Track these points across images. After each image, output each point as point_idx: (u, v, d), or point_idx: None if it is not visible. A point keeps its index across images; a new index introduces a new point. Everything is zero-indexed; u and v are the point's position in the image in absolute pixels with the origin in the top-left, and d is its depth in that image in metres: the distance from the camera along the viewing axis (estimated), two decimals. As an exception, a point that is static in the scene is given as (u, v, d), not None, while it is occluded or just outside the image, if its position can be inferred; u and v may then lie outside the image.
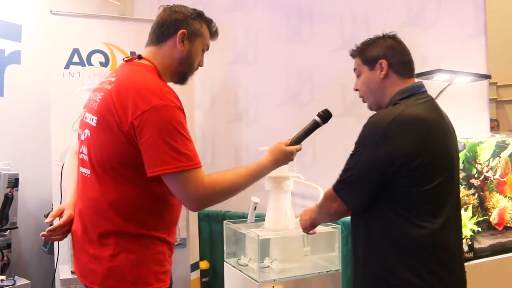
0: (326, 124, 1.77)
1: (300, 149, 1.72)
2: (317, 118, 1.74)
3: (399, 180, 1.43)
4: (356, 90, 1.69)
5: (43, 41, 3.30)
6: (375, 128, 1.45)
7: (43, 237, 1.54)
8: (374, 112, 1.59)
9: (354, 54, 1.68)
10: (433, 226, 1.43)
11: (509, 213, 2.11)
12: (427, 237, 1.42)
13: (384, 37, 1.63)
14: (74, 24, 3.00)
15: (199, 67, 1.66)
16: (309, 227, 1.81)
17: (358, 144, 1.49)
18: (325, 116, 1.74)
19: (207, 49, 1.66)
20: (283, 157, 1.67)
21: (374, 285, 1.50)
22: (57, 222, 1.56)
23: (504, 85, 6.65)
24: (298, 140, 1.72)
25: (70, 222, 1.56)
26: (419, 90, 1.56)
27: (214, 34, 1.65)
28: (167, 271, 1.51)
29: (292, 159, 1.72)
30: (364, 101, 1.69)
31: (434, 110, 1.53)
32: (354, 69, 1.69)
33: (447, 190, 1.50)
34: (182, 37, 1.55)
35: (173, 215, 1.55)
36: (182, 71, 1.60)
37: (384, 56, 1.58)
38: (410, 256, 1.43)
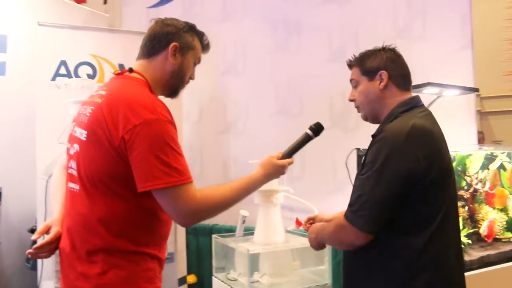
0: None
1: (292, 163, 1.69)
2: (308, 131, 1.73)
3: (416, 193, 1.40)
4: (351, 100, 1.67)
5: (29, 52, 3.26)
6: (393, 142, 1.41)
7: (29, 255, 1.50)
8: (367, 122, 1.63)
9: (352, 64, 1.67)
10: (440, 241, 1.43)
11: (498, 225, 2.11)
12: (434, 251, 1.42)
13: (385, 49, 1.62)
14: (61, 36, 2.97)
15: (190, 80, 1.64)
16: (316, 246, 1.74)
17: (372, 164, 1.42)
18: (317, 129, 1.73)
19: (199, 62, 1.64)
20: (275, 171, 1.65)
21: None
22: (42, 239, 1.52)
23: (488, 97, 6.75)
24: (290, 153, 1.70)
25: (57, 239, 1.51)
26: (419, 104, 1.57)
27: (205, 47, 1.64)
28: None
29: (283, 173, 1.69)
30: (359, 111, 1.68)
31: (435, 123, 1.53)
32: (351, 80, 1.67)
33: (452, 203, 1.50)
34: (174, 50, 1.53)
35: (164, 231, 1.52)
36: (174, 84, 1.58)
37: (385, 67, 1.57)
38: (418, 271, 1.41)
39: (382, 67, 1.57)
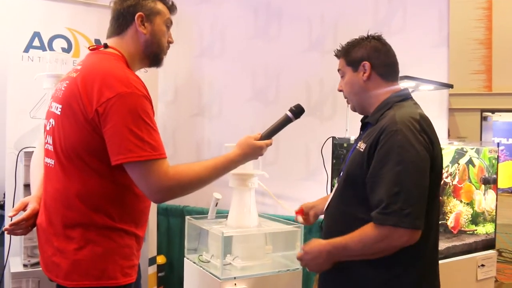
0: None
1: (270, 144, 1.68)
2: (289, 113, 1.72)
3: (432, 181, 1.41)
4: (340, 90, 1.68)
5: (1, 21, 3.14)
6: (408, 130, 1.38)
7: (6, 232, 1.49)
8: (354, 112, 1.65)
9: (339, 54, 1.67)
10: (433, 232, 1.48)
11: (464, 218, 2.20)
12: (430, 242, 1.47)
13: (369, 38, 1.61)
14: (35, 6, 2.87)
15: (170, 45, 1.63)
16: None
17: (393, 156, 1.36)
18: (297, 111, 1.73)
19: (171, 23, 1.62)
20: (252, 152, 1.64)
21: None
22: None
23: (455, 94, 6.94)
24: (269, 134, 1.69)
25: (34, 215, 1.51)
26: (409, 96, 1.59)
27: (171, 8, 1.62)
28: (134, 265, 1.48)
29: (262, 154, 1.68)
30: (348, 102, 1.69)
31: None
32: (338, 70, 1.67)
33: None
34: (141, 21, 1.52)
35: (141, 207, 1.52)
36: (152, 52, 1.57)
37: (368, 57, 1.57)
38: (411, 259, 1.43)
39: (365, 57, 1.57)
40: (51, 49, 2.86)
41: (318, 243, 1.56)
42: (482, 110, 8.01)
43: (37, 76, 2.48)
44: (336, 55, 1.69)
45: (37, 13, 2.87)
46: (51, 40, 2.89)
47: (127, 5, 1.52)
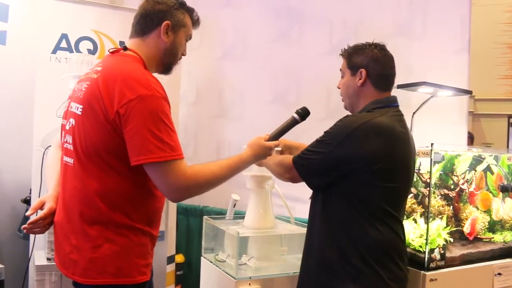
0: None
1: (278, 145, 1.79)
2: (295, 115, 1.81)
3: (358, 178, 1.56)
4: (339, 88, 1.80)
5: (30, 23, 3.24)
6: (346, 127, 1.57)
7: (24, 230, 1.53)
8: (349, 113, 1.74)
9: (343, 55, 1.77)
10: (387, 226, 1.58)
11: (480, 225, 2.18)
12: (381, 233, 1.57)
13: (371, 46, 1.70)
14: (64, 9, 2.96)
15: (183, 56, 1.68)
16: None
17: (328, 135, 1.61)
18: (303, 113, 1.81)
19: (190, 38, 1.68)
20: (262, 152, 1.72)
21: (328, 270, 1.62)
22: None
23: (482, 99, 6.82)
24: (276, 136, 1.78)
25: (51, 214, 1.55)
26: (393, 104, 1.68)
27: (196, 23, 1.67)
28: (148, 264, 1.52)
29: (270, 154, 1.77)
30: (342, 100, 1.80)
31: (402, 124, 1.65)
32: (340, 69, 1.78)
33: (401, 196, 1.66)
34: (166, 29, 1.56)
35: (157, 206, 1.56)
36: (167, 61, 1.62)
37: (366, 66, 1.67)
38: (363, 248, 1.56)
39: (364, 65, 1.67)
40: (77, 50, 2.95)
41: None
42: (510, 116, 7.84)
43: (63, 76, 2.56)
44: (341, 54, 1.78)
45: (65, 16, 2.96)
46: (77, 41, 2.97)
47: (158, 9, 1.56)
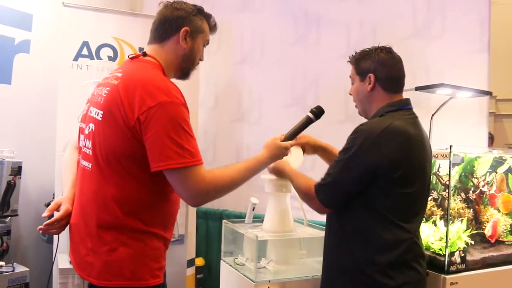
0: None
1: (294, 145, 1.80)
2: (310, 114, 1.83)
3: (379, 185, 1.55)
4: (350, 94, 1.81)
5: (53, 32, 3.32)
6: (366, 137, 1.56)
7: (40, 231, 1.55)
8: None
9: (351, 62, 1.79)
10: (404, 230, 1.58)
11: (502, 227, 2.15)
12: (398, 239, 1.57)
13: (377, 50, 1.71)
14: (85, 17, 3.03)
15: (200, 62, 1.70)
16: (274, 174, 1.96)
17: (347, 150, 1.59)
18: (318, 112, 1.83)
19: (207, 44, 1.69)
20: (279, 152, 1.73)
21: (345, 280, 1.63)
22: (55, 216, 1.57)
23: (503, 99, 6.71)
24: (292, 135, 1.79)
25: (67, 216, 1.57)
26: (406, 106, 1.69)
27: (213, 28, 1.69)
28: (162, 267, 1.53)
29: (286, 154, 1.78)
30: (356, 107, 1.81)
31: (417, 127, 1.65)
32: (350, 76, 1.80)
33: (419, 200, 1.65)
34: (185, 35, 1.58)
35: (171, 211, 1.58)
36: (185, 67, 1.64)
37: (374, 70, 1.68)
38: (379, 255, 1.56)
39: (372, 69, 1.69)
40: (98, 57, 3.01)
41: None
42: (532, 116, 7.67)
43: (84, 83, 2.62)
44: (349, 61, 1.80)
45: (87, 23, 3.03)
46: (98, 48, 3.04)
47: (177, 15, 1.58)
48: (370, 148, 1.54)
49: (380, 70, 1.68)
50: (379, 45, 1.73)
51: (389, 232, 1.56)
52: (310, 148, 2.02)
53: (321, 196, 1.64)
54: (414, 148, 1.60)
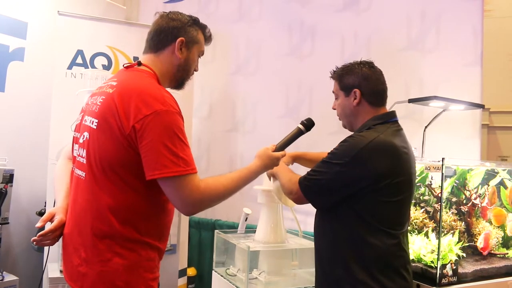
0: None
1: (284, 155, 1.80)
2: (300, 126, 1.83)
3: (366, 195, 1.57)
4: (334, 109, 1.83)
5: (47, 40, 3.33)
6: (352, 148, 1.58)
7: (34, 242, 1.52)
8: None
9: (334, 77, 1.80)
10: (392, 238, 1.60)
11: (494, 240, 2.15)
12: (387, 246, 1.58)
13: (360, 65, 1.74)
14: (80, 26, 3.04)
15: (195, 72, 1.71)
16: (267, 172, 1.95)
17: (334, 156, 1.62)
18: (308, 124, 1.84)
19: (202, 54, 1.70)
20: (270, 162, 1.73)
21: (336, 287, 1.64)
22: (48, 226, 1.54)
23: (497, 112, 6.74)
24: (283, 146, 1.80)
25: (61, 226, 1.55)
26: (392, 119, 1.71)
27: (208, 39, 1.70)
28: (156, 278, 1.52)
29: (277, 165, 1.78)
30: (340, 119, 1.83)
31: (402, 139, 1.67)
32: (333, 91, 1.81)
33: (405, 209, 1.68)
34: (180, 45, 1.58)
35: (166, 221, 1.57)
36: (180, 77, 1.64)
37: (359, 85, 1.70)
38: (370, 262, 1.57)
39: (356, 85, 1.71)
40: (92, 66, 3.01)
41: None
42: (526, 129, 7.71)
43: (78, 92, 2.61)
44: (331, 77, 1.81)
45: (81, 32, 3.04)
46: (93, 57, 3.04)
47: (172, 26, 1.59)
48: (352, 161, 1.56)
49: (364, 85, 1.70)
50: (361, 60, 1.76)
51: (378, 240, 1.58)
52: (289, 158, 2.05)
53: (307, 191, 1.67)
54: (401, 160, 1.62)
